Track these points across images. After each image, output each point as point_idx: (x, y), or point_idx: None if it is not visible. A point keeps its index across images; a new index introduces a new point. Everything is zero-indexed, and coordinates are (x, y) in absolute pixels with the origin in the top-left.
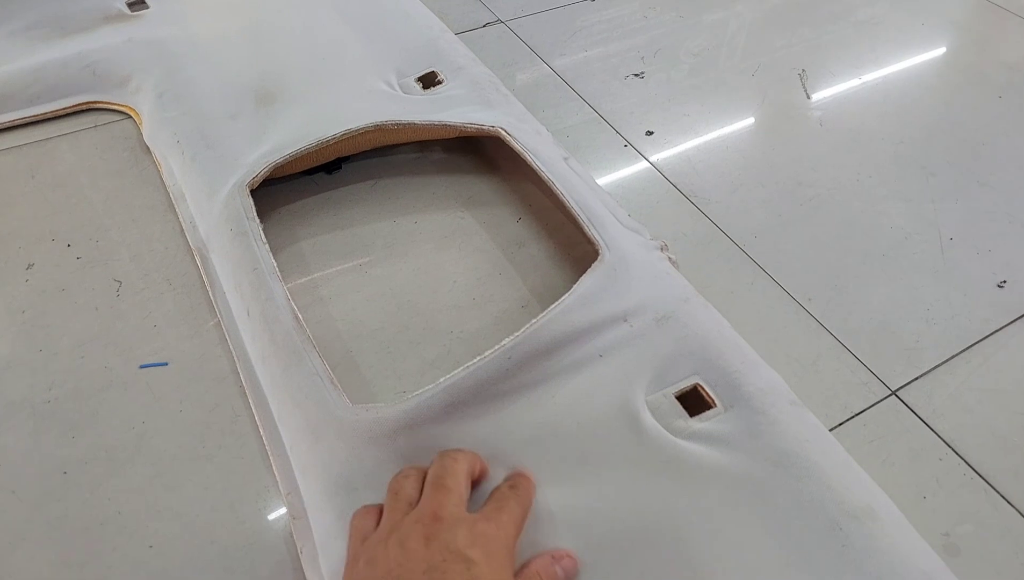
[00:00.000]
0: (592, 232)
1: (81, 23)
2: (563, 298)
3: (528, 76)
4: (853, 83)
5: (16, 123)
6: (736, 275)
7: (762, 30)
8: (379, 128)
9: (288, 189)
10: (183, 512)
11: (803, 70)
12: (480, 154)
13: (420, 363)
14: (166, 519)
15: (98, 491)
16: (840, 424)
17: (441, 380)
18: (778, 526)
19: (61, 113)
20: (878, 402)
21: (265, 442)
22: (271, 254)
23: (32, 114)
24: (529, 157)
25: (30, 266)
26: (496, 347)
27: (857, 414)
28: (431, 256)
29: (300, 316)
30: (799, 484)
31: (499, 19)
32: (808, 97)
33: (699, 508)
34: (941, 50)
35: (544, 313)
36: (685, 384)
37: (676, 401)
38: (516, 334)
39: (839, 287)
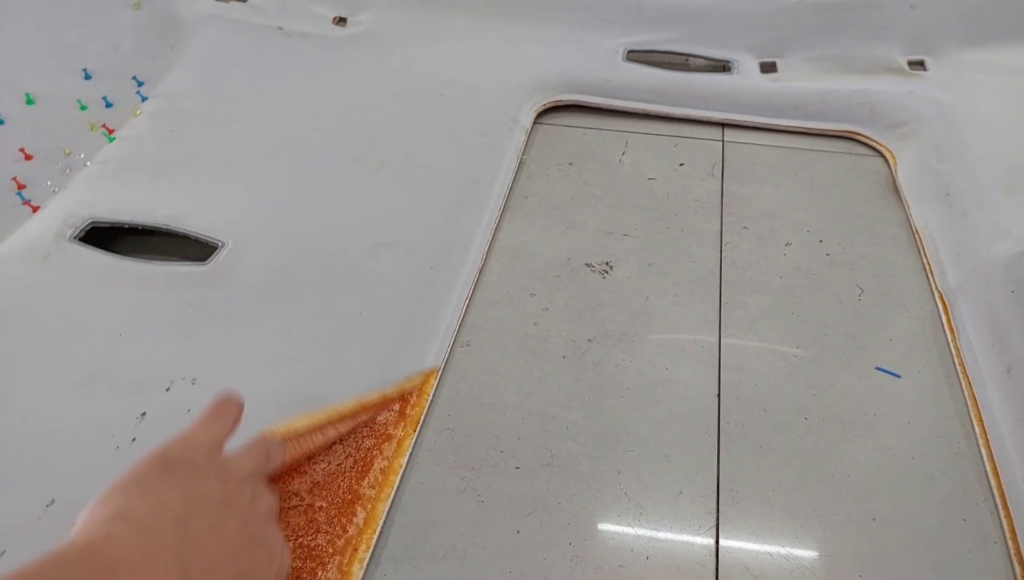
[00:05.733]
0: None
1: (865, 66)
2: None
3: None
4: None
5: (791, 128)
6: None
7: None
8: None
9: None
10: (902, 506)
11: None
12: None
13: None
14: (886, 506)
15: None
16: None
17: None
18: None
19: (828, 133)
20: None
21: (997, 485)
22: None
23: (806, 126)
24: None
25: (788, 245)
26: None
27: None
28: None
29: None
30: None
31: None
32: None
33: None
34: None
35: None
36: None
37: None
38: None
39: None
